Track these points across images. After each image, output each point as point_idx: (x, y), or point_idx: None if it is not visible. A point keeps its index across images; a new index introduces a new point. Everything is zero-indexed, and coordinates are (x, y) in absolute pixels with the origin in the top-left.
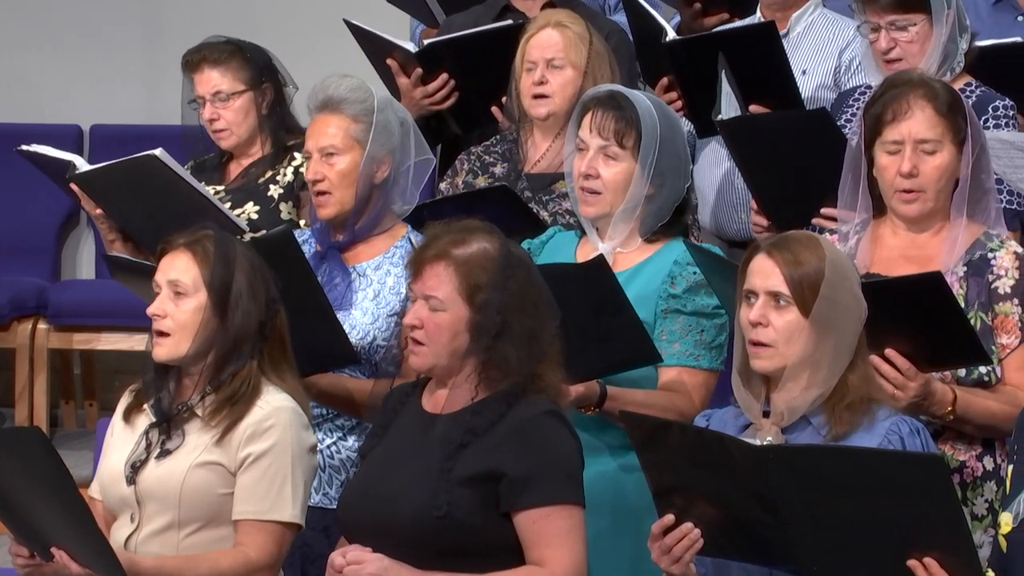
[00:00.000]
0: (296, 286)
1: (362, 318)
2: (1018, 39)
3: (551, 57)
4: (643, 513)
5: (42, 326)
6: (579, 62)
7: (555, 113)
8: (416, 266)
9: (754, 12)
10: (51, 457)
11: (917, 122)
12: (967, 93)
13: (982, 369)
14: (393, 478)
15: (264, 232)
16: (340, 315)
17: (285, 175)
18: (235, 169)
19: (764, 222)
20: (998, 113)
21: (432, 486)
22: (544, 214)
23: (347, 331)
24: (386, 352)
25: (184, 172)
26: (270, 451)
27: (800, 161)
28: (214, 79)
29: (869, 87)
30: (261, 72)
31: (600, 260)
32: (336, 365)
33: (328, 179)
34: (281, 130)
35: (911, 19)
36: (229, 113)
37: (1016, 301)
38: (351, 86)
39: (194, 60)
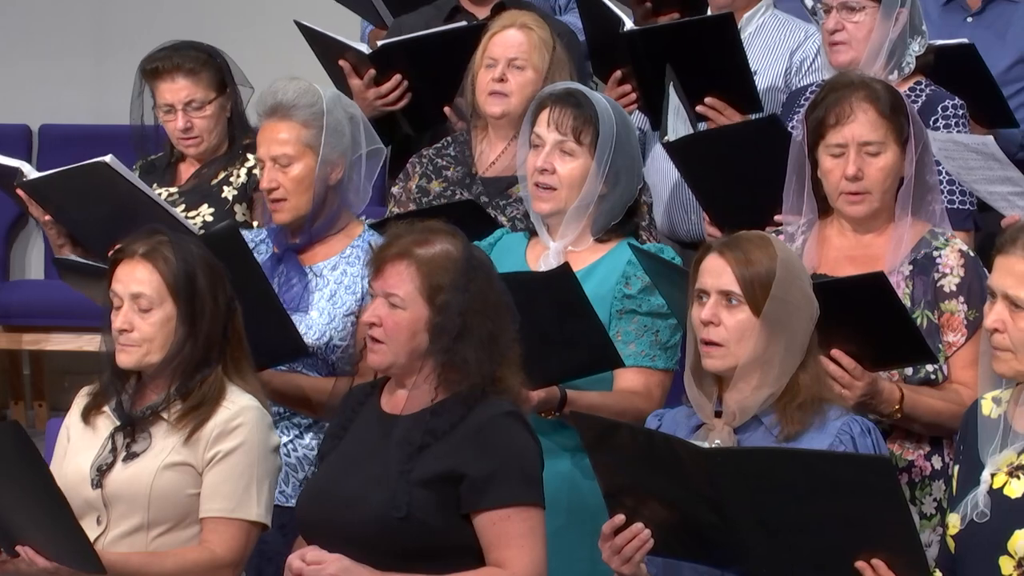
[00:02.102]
0: (244, 281)
1: (318, 318)
2: (964, 40)
3: (513, 57)
4: (600, 514)
5: None
6: (541, 66)
7: (510, 113)
8: (377, 264)
9: (704, 13)
10: (28, 452)
11: (860, 125)
12: (917, 91)
13: (929, 367)
14: (352, 479)
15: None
16: (297, 316)
17: (239, 176)
18: (186, 169)
19: (719, 233)
20: (947, 113)
21: (392, 487)
22: (502, 218)
23: (303, 332)
24: (343, 352)
25: (134, 178)
26: (237, 449)
27: (751, 169)
28: (187, 88)
29: (820, 86)
30: (225, 76)
31: (565, 268)
32: (287, 359)
33: (283, 186)
34: (239, 132)
35: (861, 2)
36: (202, 121)
37: (962, 299)
38: (299, 90)
39: (164, 68)
